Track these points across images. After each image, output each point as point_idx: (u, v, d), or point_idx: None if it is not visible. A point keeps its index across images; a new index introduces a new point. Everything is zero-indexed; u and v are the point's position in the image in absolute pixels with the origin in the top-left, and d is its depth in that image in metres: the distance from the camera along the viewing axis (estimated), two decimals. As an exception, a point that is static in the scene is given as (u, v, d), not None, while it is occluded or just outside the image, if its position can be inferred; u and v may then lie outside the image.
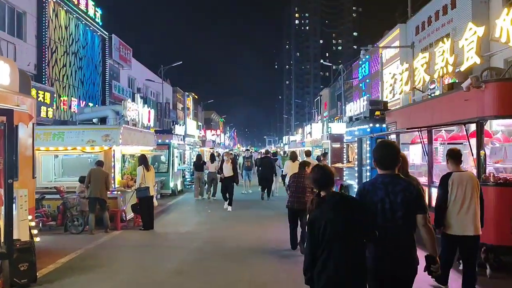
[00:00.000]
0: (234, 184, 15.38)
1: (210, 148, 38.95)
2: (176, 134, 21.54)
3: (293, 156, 14.36)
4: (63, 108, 24.56)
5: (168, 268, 7.45)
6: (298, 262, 7.78)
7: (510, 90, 6.94)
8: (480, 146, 7.12)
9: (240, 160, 22.87)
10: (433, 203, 6.76)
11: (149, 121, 16.25)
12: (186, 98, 61.19)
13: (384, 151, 3.72)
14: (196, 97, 70.68)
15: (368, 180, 5.06)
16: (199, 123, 62.81)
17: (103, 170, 10.69)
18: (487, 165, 7.08)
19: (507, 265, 7.11)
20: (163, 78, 42.49)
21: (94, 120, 13.51)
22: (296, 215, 8.53)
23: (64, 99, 24.69)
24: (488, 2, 19.51)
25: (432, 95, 13.98)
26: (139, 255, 8.54)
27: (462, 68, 7.76)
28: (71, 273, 7.09)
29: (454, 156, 5.86)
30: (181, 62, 43.21)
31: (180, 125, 26.93)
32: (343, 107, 41.35)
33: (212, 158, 17.55)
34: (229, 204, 14.74)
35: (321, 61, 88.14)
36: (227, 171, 15.22)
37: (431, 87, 14.71)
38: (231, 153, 18.78)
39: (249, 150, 22.81)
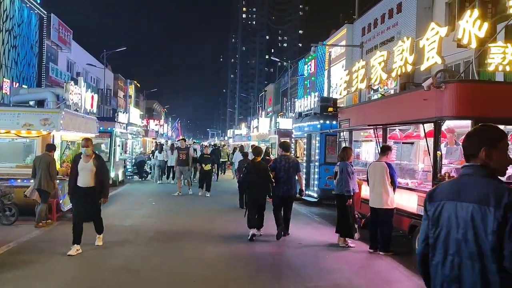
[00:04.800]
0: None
1: (153, 138, 37.90)
2: (119, 122, 20.59)
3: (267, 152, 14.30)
4: (-6, 88, 22.69)
5: (113, 264, 6.91)
6: (254, 250, 7.64)
7: (469, 91, 7.06)
8: (436, 145, 7.19)
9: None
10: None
11: (92, 106, 15.32)
12: (128, 86, 59.13)
13: (286, 142, 9.79)
14: (139, 85, 68.51)
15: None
16: (141, 112, 60.99)
17: (47, 155, 9.77)
18: (448, 165, 7.17)
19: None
20: (105, 64, 40.68)
21: (31, 103, 12.48)
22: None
23: (-5, 79, 22.80)
24: (431, 8, 20.28)
25: (378, 94, 14.27)
26: (80, 250, 7.88)
27: (422, 68, 7.81)
28: (2, 269, 6.38)
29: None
30: (124, 48, 41.63)
31: (123, 113, 25.82)
32: (289, 103, 41.73)
33: (161, 148, 17.25)
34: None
35: (268, 56, 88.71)
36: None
37: (375, 87, 14.97)
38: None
39: (185, 140, 19.26)
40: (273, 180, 9.06)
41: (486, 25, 7.04)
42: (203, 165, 15.89)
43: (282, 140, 15.34)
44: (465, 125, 7.06)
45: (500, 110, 6.93)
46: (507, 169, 2.49)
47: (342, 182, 8.51)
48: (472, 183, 2.38)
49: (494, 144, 2.38)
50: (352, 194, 8.49)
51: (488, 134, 2.47)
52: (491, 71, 8.22)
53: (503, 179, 2.89)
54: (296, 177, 9.28)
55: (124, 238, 8.73)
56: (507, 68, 7.67)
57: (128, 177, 21.84)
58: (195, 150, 20.89)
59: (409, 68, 8.46)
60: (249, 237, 8.79)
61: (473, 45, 7.16)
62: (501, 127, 7.56)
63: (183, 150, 16.69)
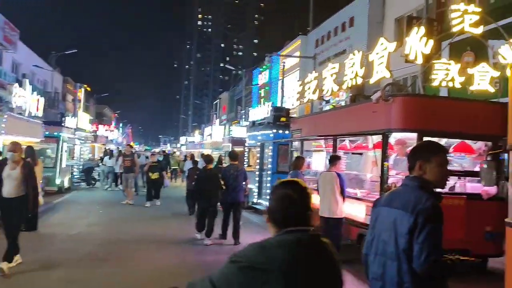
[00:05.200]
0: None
1: (102, 144, 36.85)
2: (67, 127, 19.85)
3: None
4: None
5: (57, 276, 6.61)
6: (204, 258, 7.51)
7: (415, 105, 7.35)
8: (384, 156, 7.42)
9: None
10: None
11: (37, 110, 14.69)
12: (78, 90, 57.24)
13: (233, 152, 10.54)
14: (89, 89, 66.49)
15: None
16: (91, 117, 59.20)
17: None
18: (395, 176, 7.39)
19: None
20: (54, 66, 39.25)
21: (-30, 105, 11.79)
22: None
23: None
24: (382, 23, 21.07)
25: (329, 106, 14.66)
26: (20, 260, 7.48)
27: (371, 81, 8.07)
28: None
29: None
30: (75, 51, 40.44)
31: (71, 117, 24.89)
32: (243, 111, 41.84)
33: (111, 154, 16.88)
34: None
35: (222, 64, 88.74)
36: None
37: (326, 99, 15.32)
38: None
39: (130, 146, 18.75)
40: (223, 187, 9.33)
41: (431, 42, 7.38)
42: (150, 174, 15.50)
43: (230, 150, 15.71)
44: (413, 137, 7.32)
45: (443, 124, 7.26)
46: (445, 181, 2.71)
47: None
48: (403, 192, 2.64)
49: (428, 158, 2.61)
50: None
51: (425, 149, 2.75)
52: (435, 86, 8.60)
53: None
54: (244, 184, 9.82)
55: (69, 248, 8.39)
56: (450, 84, 8.07)
57: (75, 184, 21.07)
58: (147, 157, 20.50)
59: (359, 80, 8.72)
60: (205, 242, 8.92)
61: (419, 61, 7.48)
62: (444, 140, 7.94)
63: (128, 157, 16.24)
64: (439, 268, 2.44)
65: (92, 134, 36.32)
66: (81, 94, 59.05)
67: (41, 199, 10.47)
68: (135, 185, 17.80)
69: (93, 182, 21.83)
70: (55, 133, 17.47)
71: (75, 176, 21.40)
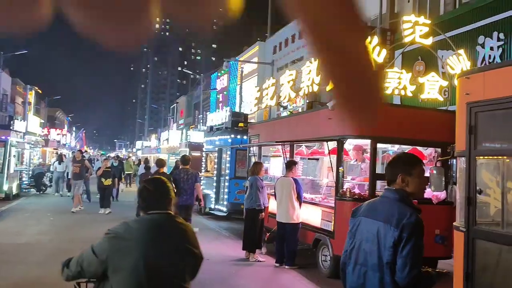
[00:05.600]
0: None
1: (54, 149, 35.56)
2: (16, 131, 19.02)
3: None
4: None
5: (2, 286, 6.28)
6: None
7: (369, 112, 7.53)
8: (339, 162, 7.56)
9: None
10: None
11: (-17, 113, 13.97)
12: (28, 92, 55.06)
13: (185, 156, 10.51)
14: (40, 91, 64.09)
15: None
16: (42, 121, 57.04)
17: None
18: (350, 181, 7.53)
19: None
20: (2, 67, 37.59)
21: None
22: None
23: None
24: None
25: (287, 112, 14.83)
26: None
27: (328, 88, 8.21)
28: None
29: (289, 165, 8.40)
30: (25, 51, 38.88)
31: (20, 120, 23.87)
32: (201, 116, 41.62)
33: (61, 158, 16.32)
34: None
35: (180, 68, 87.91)
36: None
37: (284, 105, 15.51)
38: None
39: (81, 151, 18.03)
40: (174, 190, 9.26)
41: (384, 51, 7.61)
42: (103, 179, 15.00)
43: (182, 154, 15.98)
44: (367, 143, 7.50)
45: (396, 131, 7.49)
46: (424, 192, 2.83)
47: (252, 197, 8.61)
48: (384, 204, 2.68)
49: (408, 171, 2.66)
50: (263, 208, 8.64)
51: (405, 161, 2.80)
52: (388, 94, 8.87)
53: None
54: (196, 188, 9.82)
55: (16, 258, 7.99)
56: (402, 92, 8.34)
57: (24, 190, 20.18)
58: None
59: (316, 87, 8.86)
60: None
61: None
62: (396, 146, 8.17)
63: (78, 163, 15.53)
64: (421, 280, 2.52)
65: (43, 138, 35.02)
66: (31, 96, 56.87)
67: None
68: (87, 192, 17.16)
69: (43, 188, 20.97)
70: (3, 137, 16.71)
71: (24, 182, 20.51)
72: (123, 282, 2.30)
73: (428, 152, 8.15)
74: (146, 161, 20.22)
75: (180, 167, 10.38)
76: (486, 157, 4.43)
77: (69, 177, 19.31)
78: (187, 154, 20.91)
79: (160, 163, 10.38)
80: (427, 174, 7.69)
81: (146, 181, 2.73)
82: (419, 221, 2.56)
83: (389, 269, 2.50)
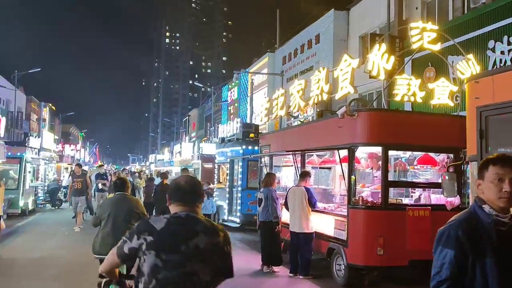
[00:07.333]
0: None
1: (69, 164, 35.97)
2: (30, 147, 19.30)
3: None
4: None
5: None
6: None
7: (379, 119, 7.52)
8: (351, 170, 7.53)
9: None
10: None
11: (-1, 130, 14.24)
12: (42, 109, 55.97)
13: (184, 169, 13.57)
14: (54, 108, 65.16)
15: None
16: (56, 137, 57.81)
17: None
18: (363, 189, 7.49)
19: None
20: (16, 85, 38.30)
21: None
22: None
23: None
24: (347, 41, 21.63)
25: (298, 121, 14.81)
26: (-21, 287, 7.17)
27: (337, 97, 8.24)
28: None
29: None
30: (39, 69, 39.65)
31: (35, 137, 24.25)
32: (213, 128, 41.83)
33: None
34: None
35: (191, 82, 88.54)
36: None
37: (295, 115, 15.51)
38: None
39: (80, 165, 15.94)
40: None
41: (393, 58, 7.61)
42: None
43: (182, 167, 17.62)
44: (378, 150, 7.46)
45: (407, 137, 7.47)
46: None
47: (268, 209, 8.53)
48: None
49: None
50: (279, 219, 8.60)
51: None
52: (398, 101, 8.84)
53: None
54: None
55: (31, 273, 8.07)
56: (412, 99, 8.31)
57: (40, 206, 20.41)
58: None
59: (325, 96, 8.88)
60: None
61: (382, 76, 7.69)
62: (408, 153, 8.12)
63: (79, 178, 14.34)
64: None
65: (58, 154, 35.48)
66: (46, 113, 57.75)
67: (2, 224, 10.15)
68: (89, 209, 15.89)
69: (58, 203, 21.18)
70: (18, 154, 16.96)
71: (40, 198, 20.76)
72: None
73: (440, 158, 8.08)
74: (151, 175, 20.56)
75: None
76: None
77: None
78: (200, 166, 21.06)
79: (164, 175, 12.29)
80: (439, 179, 7.66)
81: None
82: None
83: None
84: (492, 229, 2.19)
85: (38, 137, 26.95)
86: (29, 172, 18.23)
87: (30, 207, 18.11)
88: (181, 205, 2.56)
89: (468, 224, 2.24)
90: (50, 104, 62.13)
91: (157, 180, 17.27)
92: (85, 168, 33.25)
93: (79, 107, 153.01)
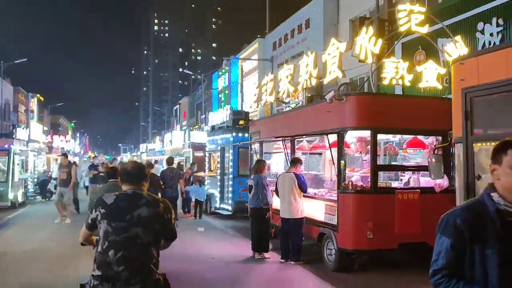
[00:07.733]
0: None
1: (58, 155, 35.68)
2: (18, 139, 19.09)
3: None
4: None
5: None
6: (165, 268, 7.29)
7: (367, 103, 7.49)
8: (340, 155, 7.52)
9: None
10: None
11: (-16, 122, 14.01)
12: (30, 100, 55.34)
13: (170, 158, 13.50)
14: (42, 99, 64.43)
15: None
16: (45, 128, 57.28)
17: None
18: (352, 174, 7.48)
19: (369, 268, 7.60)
20: (2, 76, 37.76)
21: None
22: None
23: None
24: (337, 25, 21.50)
25: (289, 107, 14.75)
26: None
27: (325, 81, 8.18)
28: None
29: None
30: (24, 60, 39.04)
31: (22, 128, 23.94)
32: (203, 116, 41.64)
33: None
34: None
35: (181, 70, 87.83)
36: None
37: (286, 100, 15.44)
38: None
39: (65, 155, 15.46)
40: (162, 186, 11.65)
41: (380, 41, 7.55)
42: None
43: (168, 156, 17.34)
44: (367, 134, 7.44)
45: (396, 121, 7.44)
46: None
47: (259, 195, 8.52)
48: None
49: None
50: (269, 206, 8.58)
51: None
52: (387, 84, 8.81)
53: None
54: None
55: (21, 266, 8.01)
56: (400, 82, 8.28)
57: (30, 198, 20.27)
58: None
59: (314, 81, 8.81)
60: None
61: (369, 60, 7.64)
62: (398, 136, 8.10)
63: (64, 168, 13.92)
64: None
65: (47, 145, 35.15)
66: (34, 104, 57.11)
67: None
68: (75, 201, 15.15)
69: (48, 195, 21.03)
70: (5, 146, 16.79)
71: (30, 190, 20.60)
72: None
73: (429, 141, 8.09)
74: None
75: (166, 167, 12.82)
76: (484, 143, 4.37)
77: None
78: (191, 155, 20.98)
79: (150, 165, 12.73)
80: (426, 162, 7.67)
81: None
82: None
83: None
84: (496, 219, 2.05)
85: (26, 129, 26.59)
86: (18, 164, 18.05)
87: (20, 199, 17.99)
88: (129, 185, 3.19)
89: (471, 212, 2.10)
90: (38, 95, 61.46)
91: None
92: (76, 159, 33.08)
93: (68, 98, 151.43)
